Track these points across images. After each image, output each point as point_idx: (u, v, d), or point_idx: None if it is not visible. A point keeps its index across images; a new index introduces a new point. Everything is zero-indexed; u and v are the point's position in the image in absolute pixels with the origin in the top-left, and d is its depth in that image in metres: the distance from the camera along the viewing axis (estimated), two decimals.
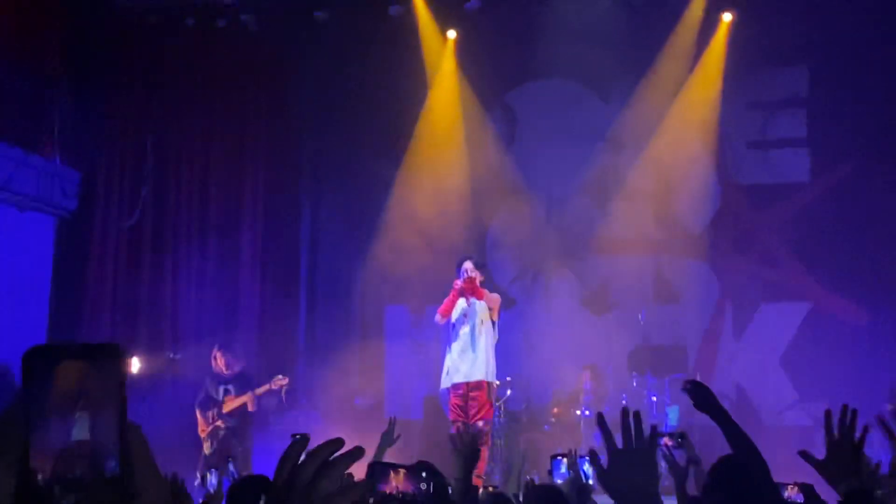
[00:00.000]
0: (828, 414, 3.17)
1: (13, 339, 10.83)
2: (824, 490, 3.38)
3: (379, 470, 3.06)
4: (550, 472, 5.39)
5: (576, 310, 13.14)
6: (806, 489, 3.88)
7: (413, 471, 3.19)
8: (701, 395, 3.65)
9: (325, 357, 12.73)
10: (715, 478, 3.09)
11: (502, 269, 13.28)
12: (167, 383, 12.42)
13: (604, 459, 2.41)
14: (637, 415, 2.40)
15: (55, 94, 12.66)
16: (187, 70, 13.28)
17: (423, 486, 3.08)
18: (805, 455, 3.16)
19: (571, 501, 4.60)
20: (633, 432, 2.38)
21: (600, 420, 2.41)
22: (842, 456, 3.10)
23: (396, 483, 3.11)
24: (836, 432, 3.14)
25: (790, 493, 3.91)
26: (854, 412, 3.15)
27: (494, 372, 9.98)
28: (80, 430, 1.51)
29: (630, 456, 2.36)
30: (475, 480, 8.92)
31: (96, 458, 1.51)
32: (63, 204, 12.79)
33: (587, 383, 11.78)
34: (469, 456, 4.24)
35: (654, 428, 2.38)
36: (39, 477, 1.47)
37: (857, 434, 3.13)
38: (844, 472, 3.09)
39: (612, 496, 2.39)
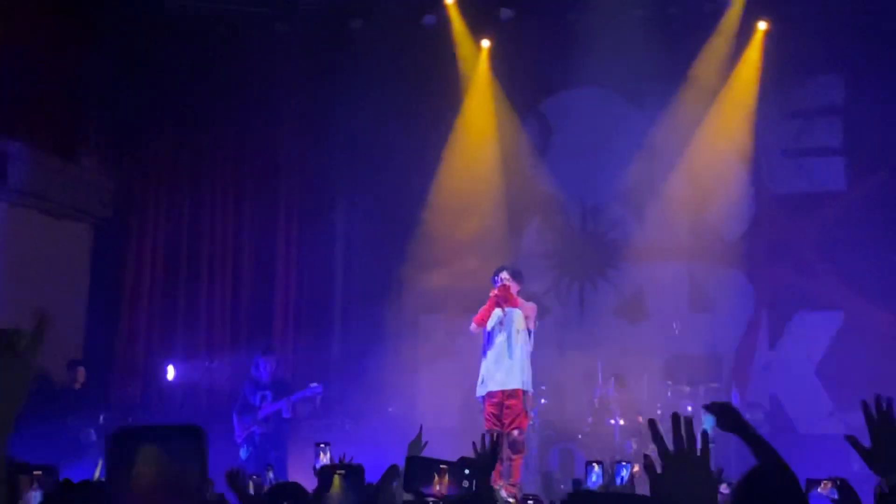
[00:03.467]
0: (865, 404, 3.14)
1: (51, 353, 10.88)
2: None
3: (420, 468, 3.02)
4: (578, 480, 5.34)
5: (611, 318, 13.10)
6: (840, 484, 3.85)
7: (455, 469, 3.14)
8: (727, 417, 3.61)
9: (359, 365, 12.74)
10: (740, 492, 3.06)
11: (538, 278, 13.25)
12: (202, 391, 12.50)
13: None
14: (689, 421, 2.33)
15: (92, 104, 12.78)
16: (221, 82, 13.33)
17: (466, 483, 3.04)
18: (852, 441, 3.13)
19: None
20: (685, 438, 2.32)
21: (652, 425, 2.36)
22: (886, 440, 3.07)
23: (440, 487, 3.07)
24: (875, 419, 3.09)
25: (823, 489, 3.87)
26: (889, 399, 3.12)
27: (531, 381, 9.89)
28: None
29: (685, 461, 2.30)
30: (507, 489, 8.92)
31: None
32: (99, 212, 12.91)
33: (612, 392, 11.75)
34: (484, 462, 4.22)
35: (704, 433, 2.33)
36: None
37: None
38: (892, 459, 3.06)
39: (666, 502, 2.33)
